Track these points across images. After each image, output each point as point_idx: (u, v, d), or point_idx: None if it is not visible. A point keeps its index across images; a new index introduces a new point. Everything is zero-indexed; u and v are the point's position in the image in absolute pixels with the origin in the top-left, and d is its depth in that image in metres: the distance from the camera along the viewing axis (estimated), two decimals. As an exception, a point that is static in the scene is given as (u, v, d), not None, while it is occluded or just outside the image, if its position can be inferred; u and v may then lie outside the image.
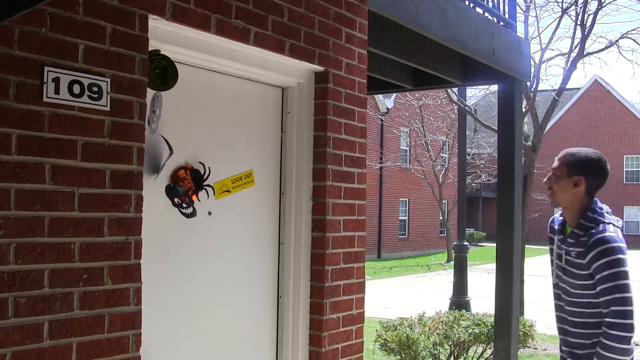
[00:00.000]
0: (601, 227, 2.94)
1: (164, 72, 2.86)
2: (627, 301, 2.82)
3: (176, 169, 3.00)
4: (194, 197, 3.06)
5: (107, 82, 2.47)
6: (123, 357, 2.52)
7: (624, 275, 2.84)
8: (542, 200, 27.52)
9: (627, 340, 2.80)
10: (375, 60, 5.87)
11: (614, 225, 2.96)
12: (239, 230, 3.34)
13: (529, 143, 12.72)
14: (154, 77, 2.82)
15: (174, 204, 2.98)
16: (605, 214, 3.01)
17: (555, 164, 3.07)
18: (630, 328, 2.81)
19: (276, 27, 3.25)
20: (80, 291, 2.39)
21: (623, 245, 2.90)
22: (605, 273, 2.85)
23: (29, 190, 2.26)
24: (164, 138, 2.89)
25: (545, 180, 3.14)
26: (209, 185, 3.14)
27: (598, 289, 2.89)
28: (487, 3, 6.07)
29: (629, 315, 2.81)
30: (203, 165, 3.12)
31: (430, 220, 32.11)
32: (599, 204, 3.05)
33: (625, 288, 2.83)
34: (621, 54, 15.25)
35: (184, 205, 3.01)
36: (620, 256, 2.86)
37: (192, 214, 3.05)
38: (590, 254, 2.90)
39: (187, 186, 3.02)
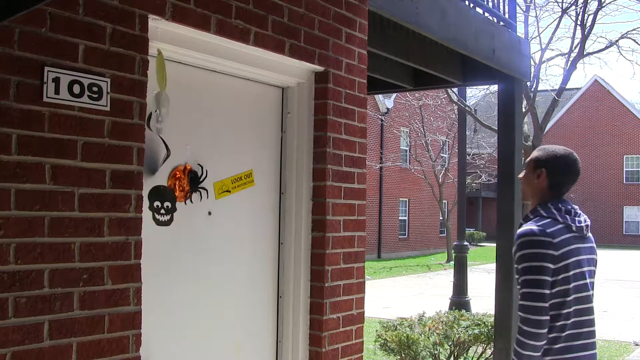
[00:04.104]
0: (532, 220, 2.85)
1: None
2: (529, 297, 2.73)
3: (174, 167, 2.99)
4: (187, 198, 3.04)
5: (107, 82, 2.47)
6: (123, 357, 2.52)
7: (531, 270, 2.73)
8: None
9: (531, 335, 2.70)
10: (375, 60, 5.86)
11: (554, 219, 2.82)
12: (239, 230, 3.34)
13: (529, 143, 12.72)
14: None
15: (151, 207, 2.87)
16: (554, 210, 2.85)
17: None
18: (533, 324, 2.70)
19: (276, 27, 3.25)
20: (80, 291, 2.39)
21: (544, 238, 2.75)
22: (519, 267, 2.79)
23: (29, 190, 2.26)
24: (161, 139, 2.88)
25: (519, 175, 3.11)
26: (203, 188, 3.12)
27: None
28: (487, 3, 6.07)
29: (530, 310, 2.72)
30: (201, 167, 3.11)
31: (430, 220, 32.11)
32: (560, 203, 2.88)
33: (530, 283, 2.72)
34: (621, 54, 15.29)
35: (162, 211, 2.91)
36: (529, 250, 2.74)
37: (166, 223, 2.93)
38: (513, 248, 2.86)
39: (182, 187, 3.00)
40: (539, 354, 2.74)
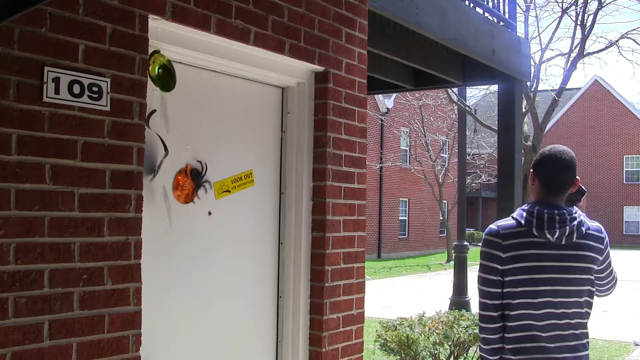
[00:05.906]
0: (505, 218, 2.88)
1: (169, 72, 2.86)
2: (480, 293, 2.84)
3: (176, 174, 2.98)
4: (194, 196, 3.05)
5: (107, 82, 2.47)
6: (123, 357, 2.52)
7: (482, 268, 2.82)
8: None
9: (481, 329, 2.83)
10: (375, 60, 5.87)
11: (517, 221, 2.77)
12: (239, 230, 3.34)
13: (529, 143, 12.72)
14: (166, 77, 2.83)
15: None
16: (524, 212, 2.78)
17: None
18: (482, 319, 2.83)
19: (276, 27, 3.25)
20: (80, 291, 2.39)
21: (495, 239, 2.76)
22: None
23: (29, 190, 2.26)
24: (159, 137, 2.88)
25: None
26: (207, 181, 3.12)
27: None
28: (487, 3, 6.08)
29: (480, 305, 2.84)
30: (200, 162, 3.11)
31: (430, 220, 32.11)
32: (538, 206, 2.78)
33: (480, 280, 2.83)
34: (621, 54, 15.32)
35: None
36: (483, 249, 2.84)
37: None
38: None
39: (187, 191, 3.00)
40: (490, 346, 2.82)
